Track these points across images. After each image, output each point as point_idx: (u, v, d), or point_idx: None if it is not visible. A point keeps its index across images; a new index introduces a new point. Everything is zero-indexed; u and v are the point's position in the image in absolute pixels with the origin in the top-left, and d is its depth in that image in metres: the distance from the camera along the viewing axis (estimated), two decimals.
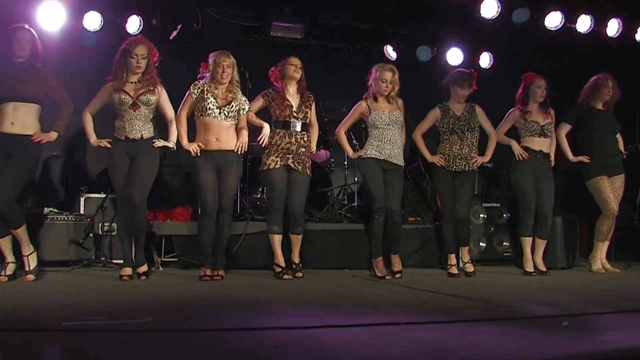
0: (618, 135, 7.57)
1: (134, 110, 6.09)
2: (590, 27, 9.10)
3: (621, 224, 7.49)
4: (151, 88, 6.13)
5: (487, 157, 7.11)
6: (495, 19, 8.70)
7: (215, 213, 6.27)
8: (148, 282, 6.05)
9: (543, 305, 4.88)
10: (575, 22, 9.06)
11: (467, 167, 6.97)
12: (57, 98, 6.06)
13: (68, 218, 7.05)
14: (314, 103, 6.78)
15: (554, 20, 8.99)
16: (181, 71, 6.65)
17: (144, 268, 6.19)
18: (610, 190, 7.36)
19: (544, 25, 9.01)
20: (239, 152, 6.32)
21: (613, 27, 9.20)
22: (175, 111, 6.33)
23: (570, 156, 7.47)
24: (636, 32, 9.27)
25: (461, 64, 9.58)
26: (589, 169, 7.44)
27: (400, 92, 6.84)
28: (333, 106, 8.51)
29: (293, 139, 6.56)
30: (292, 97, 6.63)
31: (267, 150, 6.58)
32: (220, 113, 6.25)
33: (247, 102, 6.47)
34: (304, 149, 6.61)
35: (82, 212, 7.28)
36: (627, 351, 3.21)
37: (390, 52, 9.67)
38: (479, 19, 8.73)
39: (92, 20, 8.02)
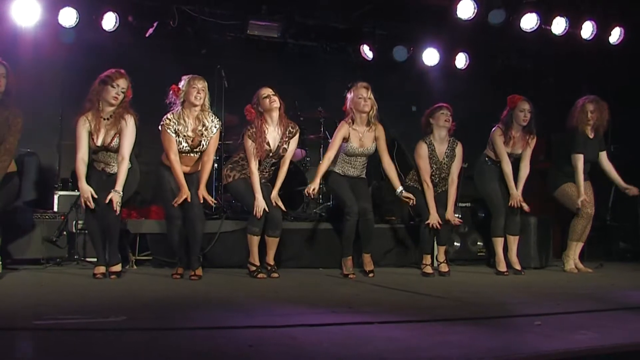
0: None
1: (106, 152, 6.11)
2: (565, 29, 9.18)
3: (593, 224, 7.54)
4: (119, 127, 6.01)
5: (450, 210, 7.11)
6: (471, 20, 8.75)
7: (181, 216, 6.25)
8: (122, 280, 6.01)
9: (516, 304, 4.91)
10: (550, 24, 9.14)
11: (445, 188, 7.13)
12: (7, 142, 5.81)
13: (41, 216, 6.99)
14: (296, 136, 6.74)
15: (529, 21, 9.06)
16: (157, 69, 6.62)
17: (116, 268, 6.12)
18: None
19: (520, 27, 9.08)
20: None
21: (587, 30, 9.29)
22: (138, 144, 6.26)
23: (582, 190, 7.32)
24: (610, 34, 9.37)
25: (437, 64, 9.64)
26: (555, 180, 7.53)
27: (376, 92, 6.83)
28: (309, 105, 8.53)
29: (267, 167, 6.67)
30: (273, 133, 6.60)
31: (230, 165, 6.65)
32: (192, 151, 6.27)
33: (218, 124, 6.38)
34: (264, 181, 6.68)
35: (55, 209, 7.24)
36: (599, 350, 3.24)
37: (366, 51, 9.70)
38: (455, 20, 8.78)
39: (68, 17, 7.96)
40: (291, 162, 7.09)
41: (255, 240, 6.52)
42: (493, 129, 7.33)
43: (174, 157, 6.17)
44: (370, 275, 6.71)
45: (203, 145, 6.26)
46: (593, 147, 7.47)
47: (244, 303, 4.80)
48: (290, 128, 6.66)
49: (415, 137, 7.18)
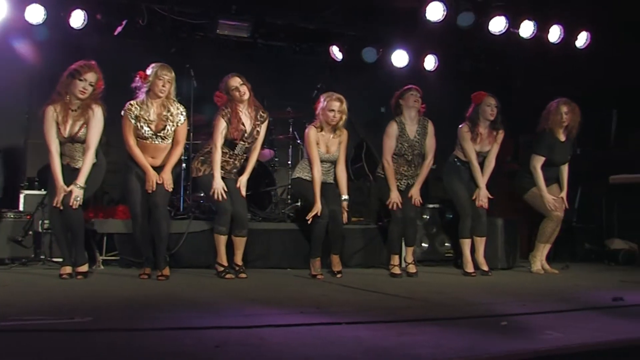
0: None
1: (72, 144, 6.03)
2: (533, 32, 9.27)
3: (560, 226, 7.62)
4: (86, 117, 5.95)
5: (418, 187, 7.16)
6: (440, 22, 8.79)
7: (146, 215, 6.21)
8: (89, 280, 5.96)
9: (483, 305, 4.94)
10: (518, 27, 9.22)
11: (412, 183, 7.13)
12: None
13: (7, 215, 6.91)
14: (266, 122, 6.74)
15: (498, 24, 9.12)
16: (125, 67, 6.56)
17: (83, 268, 6.05)
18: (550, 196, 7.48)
19: (488, 30, 9.14)
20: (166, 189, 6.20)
21: (555, 33, 9.39)
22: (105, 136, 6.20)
23: (545, 193, 7.41)
24: (576, 38, 9.47)
25: (406, 65, 9.68)
26: (524, 184, 7.56)
27: (345, 92, 6.85)
28: (278, 105, 8.52)
29: (231, 160, 6.62)
30: (245, 117, 6.60)
31: (201, 157, 6.59)
32: (156, 137, 6.18)
33: (184, 112, 6.33)
34: (235, 170, 6.65)
35: (21, 209, 7.16)
36: (564, 349, 3.28)
37: (336, 52, 9.72)
38: (424, 22, 8.81)
39: (35, 14, 7.83)
40: (259, 162, 7.09)
41: (222, 240, 6.50)
42: (460, 126, 7.38)
43: (132, 143, 6.12)
44: (339, 275, 6.74)
45: (168, 130, 6.18)
46: (565, 150, 7.53)
47: (211, 303, 4.78)
48: (261, 112, 6.67)
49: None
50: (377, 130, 7.18)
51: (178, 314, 4.29)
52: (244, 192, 6.63)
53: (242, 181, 6.65)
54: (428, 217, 8.21)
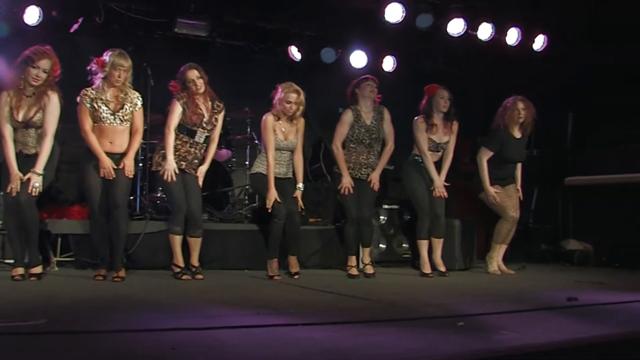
0: None
1: (26, 129, 5.94)
2: (491, 35, 9.36)
3: (517, 227, 7.70)
4: (42, 103, 5.87)
5: (379, 172, 7.21)
6: (399, 23, 8.83)
7: (105, 213, 6.16)
8: (42, 282, 5.88)
9: (440, 306, 4.98)
10: (476, 30, 9.30)
11: (369, 175, 7.13)
12: None
13: None
14: (222, 112, 6.72)
15: (456, 26, 9.19)
16: (81, 66, 6.48)
17: (36, 269, 5.96)
18: (506, 196, 7.56)
19: (447, 32, 9.21)
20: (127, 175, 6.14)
21: (512, 36, 9.49)
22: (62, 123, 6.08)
23: (487, 185, 7.54)
24: (534, 41, 9.58)
25: (365, 66, 9.70)
26: (481, 184, 7.62)
27: (305, 91, 6.85)
28: (236, 105, 8.48)
29: (192, 149, 6.55)
30: (202, 105, 6.57)
31: (162, 151, 6.52)
32: (115, 119, 6.10)
33: (140, 97, 6.29)
34: (197, 161, 6.60)
35: None
36: (520, 349, 3.32)
37: (294, 52, 9.72)
38: (383, 23, 8.85)
39: None
40: (217, 162, 7.05)
41: (177, 240, 6.47)
42: (415, 118, 7.43)
43: (88, 128, 6.05)
44: (296, 277, 6.76)
45: (126, 110, 6.13)
46: (520, 147, 7.65)
47: (167, 305, 4.75)
48: (217, 102, 6.67)
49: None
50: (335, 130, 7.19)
51: (134, 315, 4.26)
52: (201, 182, 6.60)
53: (202, 171, 6.63)
54: (386, 218, 8.25)
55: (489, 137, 7.63)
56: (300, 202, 6.86)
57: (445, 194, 7.31)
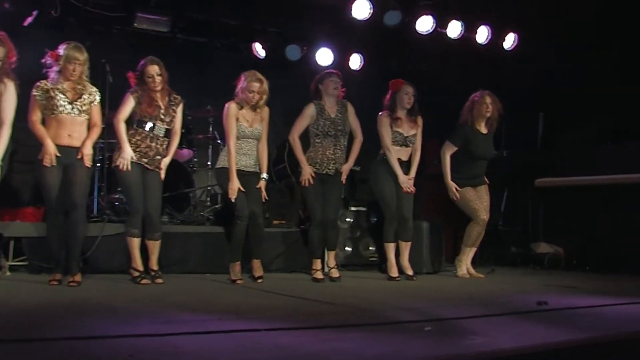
0: None
1: None
2: (460, 33, 9.42)
3: (486, 229, 7.75)
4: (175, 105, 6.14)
5: (351, 163, 7.23)
6: (366, 20, 8.86)
7: (64, 212, 6.10)
8: None
9: (407, 310, 4.99)
10: (446, 27, 9.35)
11: (337, 171, 7.09)
12: None
13: None
14: (180, 105, 6.67)
15: (425, 24, 9.24)
16: (35, 61, 6.40)
17: None
18: (477, 198, 7.61)
19: (415, 29, 9.24)
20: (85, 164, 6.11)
21: (482, 34, 9.55)
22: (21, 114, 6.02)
23: (448, 179, 7.63)
24: (504, 40, 9.65)
25: (331, 64, 9.70)
26: (454, 183, 7.67)
27: (268, 92, 6.83)
28: (198, 103, 8.45)
29: (153, 144, 6.49)
30: (159, 99, 6.52)
31: (120, 147, 6.47)
32: (73, 108, 6.06)
33: (98, 92, 6.28)
34: (159, 157, 6.53)
35: None
36: (488, 354, 3.33)
37: (258, 49, 9.69)
38: (350, 20, 8.86)
39: None
40: (178, 162, 7.00)
41: (135, 243, 6.42)
42: (379, 114, 7.45)
43: (36, 119, 6.04)
44: (259, 280, 6.74)
45: (85, 100, 6.11)
46: (487, 143, 7.72)
47: (125, 310, 4.72)
48: (173, 95, 6.63)
49: (306, 137, 7.18)
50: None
51: (90, 322, 4.21)
52: (163, 175, 6.56)
53: (165, 162, 6.57)
54: (352, 220, 8.26)
55: (454, 132, 7.69)
56: (264, 193, 6.84)
57: (412, 189, 7.32)
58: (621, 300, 5.48)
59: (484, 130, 7.67)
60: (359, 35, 9.57)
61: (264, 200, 6.86)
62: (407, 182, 7.32)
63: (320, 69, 9.25)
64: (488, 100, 7.60)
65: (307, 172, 7.04)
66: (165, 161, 6.58)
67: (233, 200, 6.61)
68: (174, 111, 6.59)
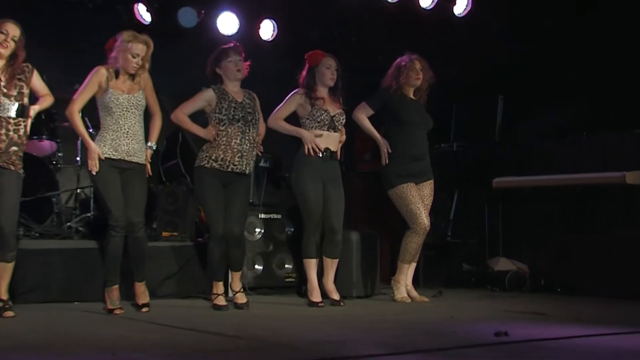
0: None
1: None
2: None
3: (431, 242, 7.81)
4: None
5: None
6: None
7: None
8: None
9: (330, 344, 5.00)
10: None
11: (246, 169, 7.04)
12: None
13: None
14: (34, 72, 6.52)
15: None
16: None
17: None
18: (419, 200, 7.64)
19: None
20: None
21: None
22: None
23: (374, 132, 7.73)
24: (455, 4, 9.71)
25: (236, 33, 9.67)
26: (392, 176, 7.69)
27: (154, 66, 6.76)
28: (63, 80, 8.30)
29: (3, 131, 6.28)
30: (3, 67, 6.37)
31: None
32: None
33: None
34: (16, 148, 6.33)
35: None
36: None
37: (142, 12, 9.57)
38: None
39: None
40: (36, 157, 6.87)
41: None
42: (292, 93, 7.49)
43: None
44: (144, 309, 6.70)
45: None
46: (420, 108, 7.87)
47: None
48: (23, 65, 6.51)
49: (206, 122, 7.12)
50: (198, 115, 7.11)
51: None
52: (149, 169, 6.69)
53: (34, 110, 6.48)
54: (263, 230, 8.24)
55: (374, 94, 7.81)
56: (149, 167, 6.81)
57: (322, 147, 7.38)
58: (599, 330, 5.59)
59: (411, 95, 7.82)
60: None
61: (147, 175, 6.79)
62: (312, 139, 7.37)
63: (223, 39, 9.23)
64: (417, 65, 7.73)
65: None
66: (35, 108, 6.47)
67: (94, 173, 6.52)
68: (23, 81, 6.40)
